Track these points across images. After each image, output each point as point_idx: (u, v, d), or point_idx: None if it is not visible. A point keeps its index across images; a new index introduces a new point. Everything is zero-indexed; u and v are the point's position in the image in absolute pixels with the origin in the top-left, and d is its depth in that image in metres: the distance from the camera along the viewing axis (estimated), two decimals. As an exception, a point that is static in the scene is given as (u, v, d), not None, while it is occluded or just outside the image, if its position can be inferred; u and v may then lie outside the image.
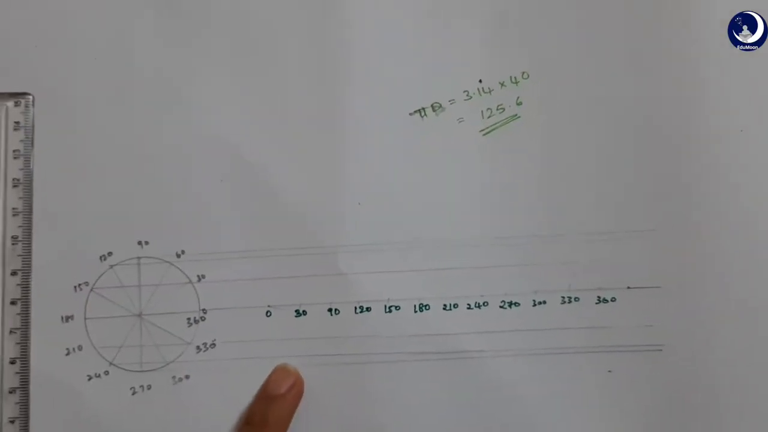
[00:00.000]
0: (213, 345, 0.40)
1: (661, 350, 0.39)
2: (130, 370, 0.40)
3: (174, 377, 0.40)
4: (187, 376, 0.40)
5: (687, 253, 0.40)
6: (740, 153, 0.40)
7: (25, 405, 0.40)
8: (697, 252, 0.40)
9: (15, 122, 0.41)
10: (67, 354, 0.40)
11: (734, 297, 0.39)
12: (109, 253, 0.40)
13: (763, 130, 0.40)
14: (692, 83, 0.40)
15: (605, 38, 0.41)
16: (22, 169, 0.41)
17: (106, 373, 0.40)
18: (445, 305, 0.40)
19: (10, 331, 0.40)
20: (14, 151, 0.41)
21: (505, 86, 0.41)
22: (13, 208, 0.41)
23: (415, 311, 0.40)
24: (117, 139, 0.41)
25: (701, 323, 0.39)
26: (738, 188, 0.40)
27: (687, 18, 0.40)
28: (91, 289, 0.40)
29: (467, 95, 0.41)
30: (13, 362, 0.40)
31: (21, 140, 0.41)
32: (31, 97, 0.41)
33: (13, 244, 0.40)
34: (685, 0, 0.40)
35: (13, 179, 0.41)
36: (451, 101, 0.41)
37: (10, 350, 0.40)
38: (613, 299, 0.40)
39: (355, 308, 0.40)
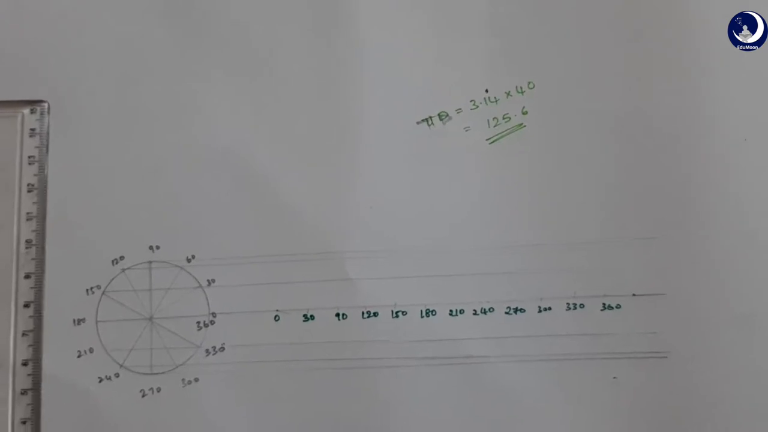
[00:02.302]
0: (222, 348, 0.41)
1: (666, 357, 0.40)
2: (140, 373, 0.40)
3: (183, 380, 0.40)
4: (196, 379, 0.40)
5: (691, 260, 0.40)
6: (742, 158, 0.40)
7: (36, 406, 0.40)
8: (701, 259, 0.40)
9: (31, 129, 0.42)
10: (79, 356, 0.40)
11: (739, 304, 0.40)
12: (121, 257, 0.41)
13: (764, 131, 0.40)
14: (692, 83, 0.41)
15: (610, 47, 0.41)
16: (36, 174, 0.42)
17: (117, 375, 0.40)
18: (451, 311, 0.41)
19: (23, 334, 0.41)
20: (29, 157, 0.42)
21: (511, 96, 0.41)
22: (28, 213, 0.41)
23: (422, 316, 0.41)
24: (130, 145, 0.42)
25: (706, 330, 0.40)
26: (741, 194, 0.40)
27: (687, 18, 0.41)
28: (103, 293, 0.41)
29: (474, 104, 0.42)
30: (25, 364, 0.40)
31: (36, 146, 0.42)
32: (46, 104, 0.42)
33: (27, 248, 0.41)
34: (685, 0, 0.41)
35: (28, 184, 0.42)
36: (458, 110, 0.42)
37: (23, 352, 0.41)
38: (618, 306, 0.40)
39: (363, 313, 0.41)
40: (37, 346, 0.41)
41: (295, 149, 0.42)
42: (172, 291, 0.41)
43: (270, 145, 0.42)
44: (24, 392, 0.40)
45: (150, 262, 0.41)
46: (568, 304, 0.40)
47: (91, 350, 0.41)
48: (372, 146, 0.41)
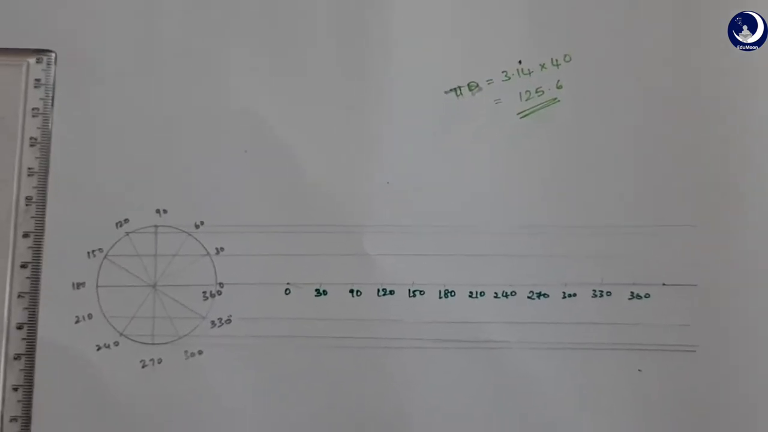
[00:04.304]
0: (228, 320, 0.38)
1: (694, 351, 0.38)
2: (141, 342, 0.38)
3: (186, 352, 0.38)
4: (200, 352, 0.38)
5: (727, 250, 0.38)
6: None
7: (30, 372, 0.38)
8: (737, 250, 0.38)
9: (36, 79, 0.40)
10: (77, 322, 0.38)
11: (774, 299, 0.38)
12: (126, 220, 0.39)
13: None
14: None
15: (651, 21, 0.39)
16: (40, 128, 0.39)
17: (116, 343, 0.38)
18: (471, 293, 0.39)
19: (19, 295, 0.38)
20: (33, 109, 0.39)
21: (546, 68, 0.39)
22: (29, 168, 0.39)
23: (440, 297, 0.39)
24: (140, 103, 0.39)
25: (738, 324, 0.38)
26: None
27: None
28: (105, 256, 0.39)
29: (506, 76, 0.39)
30: (20, 327, 0.38)
31: (41, 98, 0.39)
32: (53, 54, 0.40)
33: (26, 204, 0.39)
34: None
35: (31, 138, 0.39)
36: (489, 81, 0.39)
37: (18, 315, 0.38)
38: (647, 296, 0.38)
39: (378, 290, 0.39)
40: (33, 309, 0.38)
41: (314, 115, 0.39)
42: (178, 258, 0.39)
43: (288, 110, 0.39)
44: (17, 357, 0.38)
45: (156, 227, 0.39)
46: (594, 291, 0.38)
47: (90, 316, 0.38)
48: (396, 114, 0.39)
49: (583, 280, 0.38)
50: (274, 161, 0.39)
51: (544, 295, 0.39)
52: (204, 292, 0.39)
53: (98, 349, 0.38)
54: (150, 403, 0.38)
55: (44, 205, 0.39)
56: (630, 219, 0.39)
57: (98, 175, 0.39)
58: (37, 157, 0.39)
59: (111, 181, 0.39)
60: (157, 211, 0.39)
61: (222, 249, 0.39)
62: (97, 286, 0.39)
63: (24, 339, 0.38)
